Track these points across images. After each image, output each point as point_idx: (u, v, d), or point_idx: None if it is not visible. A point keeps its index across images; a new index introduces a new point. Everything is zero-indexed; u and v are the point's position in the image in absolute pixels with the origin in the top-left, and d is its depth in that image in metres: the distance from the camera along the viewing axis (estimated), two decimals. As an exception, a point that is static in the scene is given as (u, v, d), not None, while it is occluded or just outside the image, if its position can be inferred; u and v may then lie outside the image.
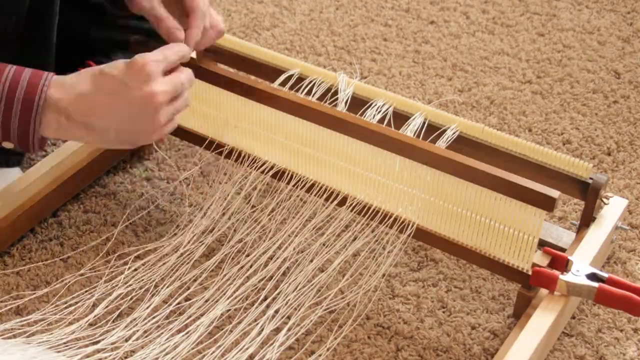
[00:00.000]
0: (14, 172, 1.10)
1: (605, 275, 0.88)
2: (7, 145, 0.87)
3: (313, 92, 1.03)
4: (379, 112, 1.01)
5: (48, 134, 0.86)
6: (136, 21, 1.16)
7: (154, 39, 1.06)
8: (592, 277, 0.88)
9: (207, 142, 1.05)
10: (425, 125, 0.99)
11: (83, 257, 1.01)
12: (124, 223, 1.05)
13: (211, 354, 0.86)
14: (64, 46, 1.05)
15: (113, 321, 0.90)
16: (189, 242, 0.98)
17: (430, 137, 0.98)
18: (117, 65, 0.86)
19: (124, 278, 0.94)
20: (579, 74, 1.35)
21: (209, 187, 1.06)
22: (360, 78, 1.34)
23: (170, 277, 0.97)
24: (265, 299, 0.92)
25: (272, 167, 1.02)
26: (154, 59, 0.86)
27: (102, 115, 0.85)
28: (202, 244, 0.99)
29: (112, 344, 0.87)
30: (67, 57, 1.08)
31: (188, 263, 0.98)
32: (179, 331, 0.89)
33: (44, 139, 0.87)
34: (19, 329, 0.90)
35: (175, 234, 1.00)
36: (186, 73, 0.90)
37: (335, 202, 0.98)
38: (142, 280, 0.94)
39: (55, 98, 0.85)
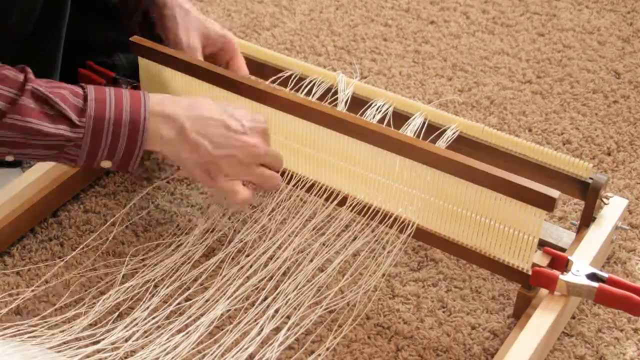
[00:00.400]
0: (14, 172, 1.10)
1: (605, 275, 0.88)
2: (105, 164, 0.89)
3: (313, 92, 1.03)
4: (379, 112, 1.01)
5: (149, 145, 0.89)
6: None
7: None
8: (592, 277, 0.88)
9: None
10: (425, 125, 0.99)
11: (83, 257, 1.01)
12: (124, 223, 1.05)
13: (211, 353, 0.86)
14: (64, 46, 1.05)
15: (113, 321, 0.90)
16: (189, 242, 0.98)
17: (430, 137, 0.98)
18: (239, 108, 0.94)
19: (124, 278, 0.94)
20: (579, 74, 1.35)
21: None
22: (360, 78, 1.34)
23: (170, 277, 0.97)
24: (265, 298, 0.92)
25: (272, 167, 1.02)
26: (267, 131, 0.94)
27: (212, 140, 0.90)
28: (202, 244, 0.99)
29: (112, 344, 0.87)
30: (67, 57, 1.08)
31: (188, 263, 0.98)
32: (179, 331, 0.89)
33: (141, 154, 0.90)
34: (19, 329, 0.90)
35: (175, 234, 1.00)
36: (279, 153, 0.95)
37: (335, 202, 0.98)
38: (142, 280, 0.94)
39: (170, 111, 0.89)
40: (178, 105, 0.90)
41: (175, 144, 0.89)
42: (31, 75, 0.85)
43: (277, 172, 0.95)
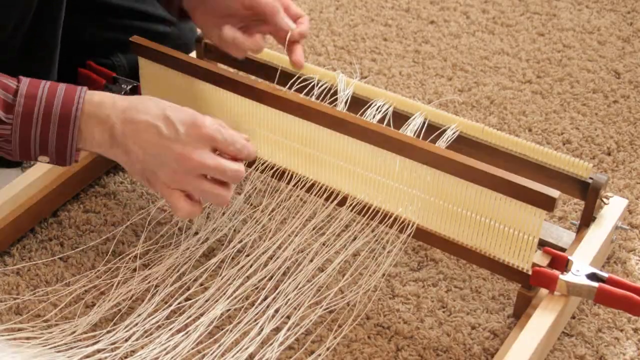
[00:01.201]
0: (14, 173, 1.10)
1: (605, 275, 0.88)
2: (43, 159, 0.88)
3: (313, 92, 1.03)
4: (379, 112, 1.01)
5: (85, 146, 0.88)
6: (139, 22, 1.16)
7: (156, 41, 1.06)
8: (592, 277, 0.88)
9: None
10: (425, 125, 0.99)
11: (83, 257, 1.01)
12: (124, 223, 1.05)
13: (211, 353, 0.86)
14: (64, 46, 1.05)
15: (113, 321, 0.90)
16: (189, 242, 0.98)
17: (430, 137, 0.98)
18: (181, 111, 0.87)
19: (124, 278, 0.94)
20: (579, 74, 1.35)
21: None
22: (360, 78, 1.34)
23: (171, 277, 0.97)
24: (265, 298, 0.92)
25: (272, 167, 1.02)
26: (214, 130, 0.86)
27: (142, 146, 0.86)
28: (203, 244, 0.99)
29: (112, 344, 0.87)
30: (67, 58, 1.08)
31: (188, 263, 0.98)
32: (179, 331, 0.89)
33: (79, 151, 0.88)
34: (19, 329, 0.90)
35: (175, 234, 1.00)
36: (235, 167, 0.87)
37: (335, 202, 0.98)
38: (142, 280, 0.94)
39: (104, 114, 0.86)
40: (115, 107, 0.87)
41: (109, 147, 0.87)
42: None
43: (230, 185, 0.89)
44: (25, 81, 0.86)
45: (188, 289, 0.94)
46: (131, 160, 0.87)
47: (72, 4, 1.06)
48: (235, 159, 0.88)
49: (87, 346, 0.87)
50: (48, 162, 0.88)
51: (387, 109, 1.01)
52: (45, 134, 0.86)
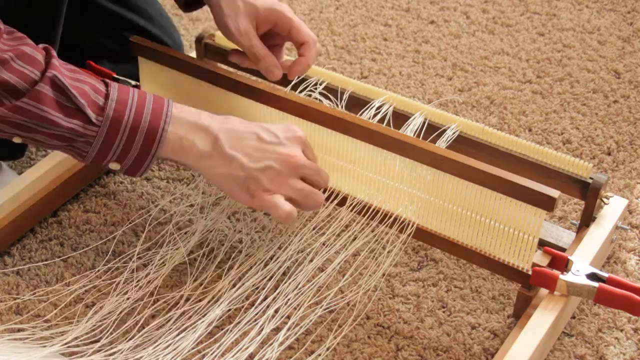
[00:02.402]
0: (10, 174, 1.10)
1: (605, 275, 0.88)
2: (113, 166, 0.87)
3: (313, 92, 1.03)
4: (379, 112, 1.01)
5: (186, 158, 0.87)
6: (143, 22, 1.16)
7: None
8: (592, 276, 0.88)
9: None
10: (425, 125, 0.99)
11: (83, 257, 1.01)
12: (124, 223, 1.05)
13: (211, 353, 0.86)
14: (64, 48, 1.05)
15: (113, 321, 0.90)
16: (189, 242, 0.98)
17: (430, 137, 0.98)
18: (271, 123, 0.91)
19: (124, 278, 0.94)
20: (579, 74, 1.35)
21: (209, 187, 1.06)
22: (360, 78, 1.34)
23: (171, 277, 0.97)
24: (265, 298, 0.92)
25: (272, 167, 1.02)
26: (303, 134, 0.91)
27: (246, 152, 0.87)
28: (203, 243, 0.99)
29: (112, 344, 0.87)
30: (68, 59, 1.08)
31: (188, 263, 0.98)
32: (179, 331, 0.89)
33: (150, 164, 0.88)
34: (19, 329, 0.90)
35: (175, 234, 1.00)
36: (325, 170, 0.93)
37: (335, 202, 0.98)
38: (142, 279, 0.94)
39: (206, 122, 0.87)
40: (213, 118, 0.88)
41: (209, 157, 0.87)
42: (55, 60, 0.83)
43: (320, 189, 0.92)
44: (114, 85, 0.85)
45: (188, 289, 0.94)
46: (233, 169, 0.87)
47: (74, 5, 1.05)
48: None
49: (87, 346, 0.87)
50: (116, 170, 0.87)
51: (387, 109, 1.01)
52: (129, 143, 0.85)
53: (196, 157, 0.87)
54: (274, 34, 0.99)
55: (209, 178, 0.90)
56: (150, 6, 1.17)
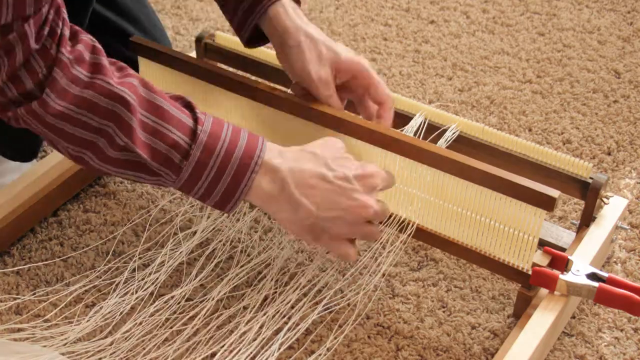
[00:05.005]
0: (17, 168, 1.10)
1: (605, 274, 0.88)
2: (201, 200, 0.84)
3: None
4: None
5: (252, 199, 0.83)
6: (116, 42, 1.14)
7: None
8: (592, 276, 0.88)
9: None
10: (425, 125, 0.99)
11: (83, 257, 1.01)
12: (124, 223, 1.05)
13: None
14: None
15: (113, 322, 0.90)
16: (189, 242, 0.98)
17: (431, 137, 0.98)
18: (347, 159, 0.86)
19: (124, 278, 0.94)
20: (579, 74, 1.35)
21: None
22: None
23: (171, 277, 0.97)
24: (265, 298, 0.92)
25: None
26: (380, 174, 0.86)
27: (315, 198, 0.83)
28: (202, 243, 0.99)
29: (112, 344, 0.87)
30: None
31: (188, 263, 0.98)
32: (179, 331, 0.89)
33: (237, 204, 0.83)
34: (19, 329, 0.90)
35: (175, 234, 1.00)
36: (385, 207, 0.88)
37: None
38: (142, 280, 0.94)
39: (275, 163, 0.82)
40: (283, 157, 0.83)
41: (276, 201, 0.83)
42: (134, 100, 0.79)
43: (381, 222, 0.89)
44: (209, 117, 0.83)
45: (188, 289, 0.94)
46: (299, 216, 0.83)
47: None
48: None
49: (87, 346, 0.87)
50: (207, 204, 0.84)
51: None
52: (221, 171, 0.81)
53: (263, 199, 0.83)
54: (349, 87, 0.95)
55: (274, 218, 0.87)
56: (139, 10, 1.15)
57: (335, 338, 0.91)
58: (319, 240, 0.86)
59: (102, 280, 0.96)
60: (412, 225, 0.94)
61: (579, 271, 0.88)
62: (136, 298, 0.92)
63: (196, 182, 0.81)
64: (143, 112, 0.80)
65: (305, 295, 0.92)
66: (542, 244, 0.96)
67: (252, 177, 0.81)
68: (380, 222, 0.91)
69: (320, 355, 0.88)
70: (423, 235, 0.95)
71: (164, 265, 0.96)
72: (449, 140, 0.97)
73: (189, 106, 0.84)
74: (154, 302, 0.92)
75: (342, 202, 0.83)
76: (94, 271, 0.98)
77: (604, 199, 0.96)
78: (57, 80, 0.77)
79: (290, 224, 0.85)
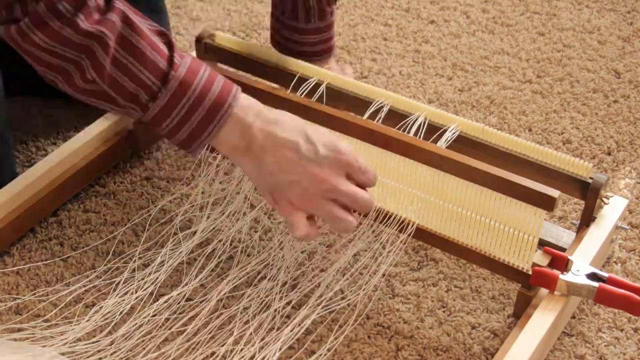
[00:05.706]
0: None
1: (605, 274, 0.88)
2: (168, 138, 0.86)
3: (313, 92, 1.03)
4: (379, 112, 1.01)
5: (214, 144, 0.85)
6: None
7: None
8: (592, 276, 0.88)
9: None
10: (426, 125, 0.99)
11: (83, 257, 1.01)
12: (124, 223, 1.05)
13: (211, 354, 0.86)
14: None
15: (113, 322, 0.90)
16: (189, 242, 0.98)
17: (431, 137, 0.98)
18: (323, 132, 0.86)
19: (124, 278, 0.94)
20: (579, 74, 1.35)
21: (209, 187, 1.06)
22: (360, 78, 1.34)
23: (171, 277, 0.97)
24: (266, 298, 0.92)
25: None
26: (352, 157, 0.85)
27: (278, 161, 0.84)
28: (202, 243, 0.99)
29: (112, 344, 0.87)
30: None
31: (188, 263, 0.98)
32: (179, 332, 0.89)
33: (202, 147, 0.86)
34: (19, 329, 0.90)
35: (175, 234, 1.00)
36: (367, 196, 0.86)
37: (335, 202, 0.98)
38: (142, 280, 0.94)
39: (248, 121, 0.84)
40: (259, 117, 0.85)
41: (240, 154, 0.85)
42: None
43: (362, 213, 0.88)
44: (186, 60, 0.85)
45: (188, 289, 0.94)
46: (261, 173, 0.85)
47: None
48: (363, 187, 0.87)
49: (87, 346, 0.87)
50: (168, 141, 0.87)
51: (387, 108, 1.01)
52: (190, 114, 0.83)
53: (227, 149, 0.86)
54: None
55: (242, 169, 0.89)
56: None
57: (335, 338, 0.91)
58: (277, 204, 0.86)
59: (102, 280, 0.96)
60: (412, 225, 0.94)
61: (579, 271, 0.88)
62: (136, 298, 0.92)
63: (164, 119, 0.84)
64: (118, 49, 0.82)
65: (305, 295, 0.92)
66: (542, 244, 0.96)
67: (217, 126, 0.84)
68: (364, 215, 0.91)
69: (320, 355, 0.88)
70: (423, 235, 0.95)
71: (163, 265, 0.96)
72: (449, 140, 0.97)
73: (169, 46, 0.85)
74: (154, 302, 0.92)
75: (300, 168, 0.83)
76: (94, 271, 0.98)
77: (604, 199, 0.96)
78: (37, 12, 0.80)
79: (254, 179, 0.87)
